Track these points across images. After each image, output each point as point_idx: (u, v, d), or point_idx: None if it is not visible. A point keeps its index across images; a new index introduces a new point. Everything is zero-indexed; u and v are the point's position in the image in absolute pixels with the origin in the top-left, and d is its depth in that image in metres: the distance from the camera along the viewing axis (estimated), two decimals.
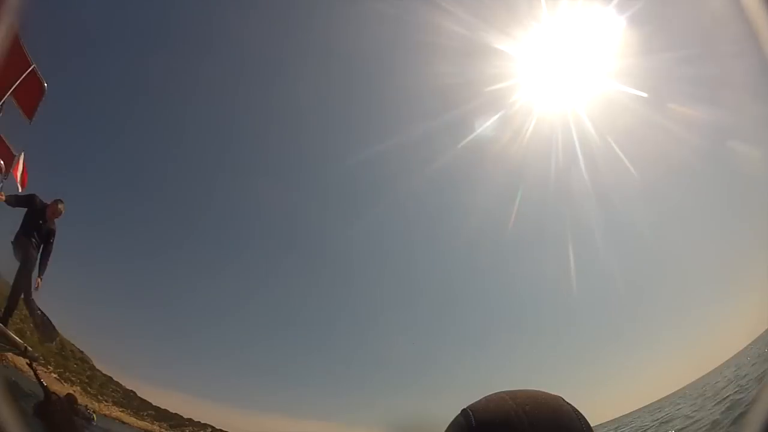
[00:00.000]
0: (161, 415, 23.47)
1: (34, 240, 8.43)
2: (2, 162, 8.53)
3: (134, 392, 22.96)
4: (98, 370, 20.73)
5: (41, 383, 7.74)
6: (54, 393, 8.50)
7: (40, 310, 8.55)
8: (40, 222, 8.56)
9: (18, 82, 7.92)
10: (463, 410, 0.87)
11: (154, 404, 23.63)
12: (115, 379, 21.59)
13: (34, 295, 8.40)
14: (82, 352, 20.04)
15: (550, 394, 0.87)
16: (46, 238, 8.65)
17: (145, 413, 22.56)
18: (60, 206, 8.77)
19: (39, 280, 8.43)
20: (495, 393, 0.88)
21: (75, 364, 19.21)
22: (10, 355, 8.58)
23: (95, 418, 8.59)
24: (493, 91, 17.54)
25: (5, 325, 7.80)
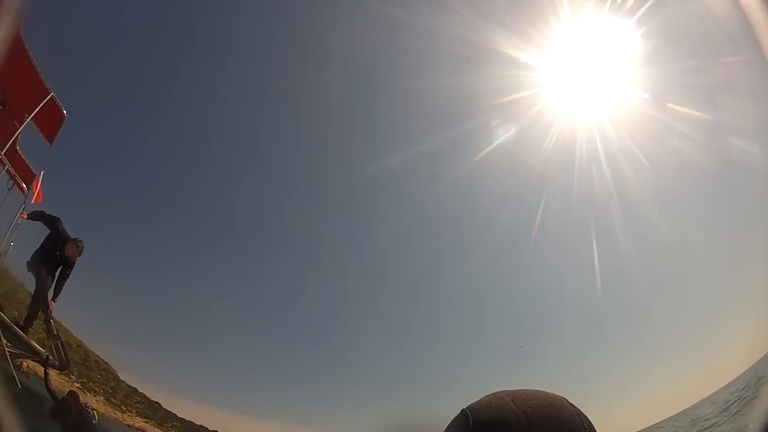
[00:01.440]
0: (186, 426, 23.86)
1: (48, 267, 8.73)
2: (24, 185, 9.12)
3: (159, 404, 23.47)
4: (123, 381, 21.29)
5: (49, 389, 8.23)
6: (65, 396, 8.98)
7: (57, 334, 8.96)
8: (57, 254, 8.81)
9: (37, 109, 8.53)
10: (462, 410, 0.85)
11: (179, 416, 24.15)
12: (140, 390, 22.24)
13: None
14: (106, 363, 20.72)
15: (554, 395, 0.84)
16: (63, 267, 8.91)
17: (170, 425, 23.04)
18: (80, 246, 8.97)
19: (52, 303, 8.74)
20: (496, 392, 0.85)
21: (99, 374, 19.85)
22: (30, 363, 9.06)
23: (97, 416, 8.98)
24: (513, 100, 17.62)
25: (26, 334, 8.33)
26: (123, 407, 20.26)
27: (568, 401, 0.83)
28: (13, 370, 7.39)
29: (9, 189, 8.67)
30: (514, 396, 0.82)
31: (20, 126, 8.33)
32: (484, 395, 0.87)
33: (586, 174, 18.32)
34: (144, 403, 21.98)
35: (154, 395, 23.27)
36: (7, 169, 8.42)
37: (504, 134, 17.79)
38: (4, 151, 7.95)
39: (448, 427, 0.87)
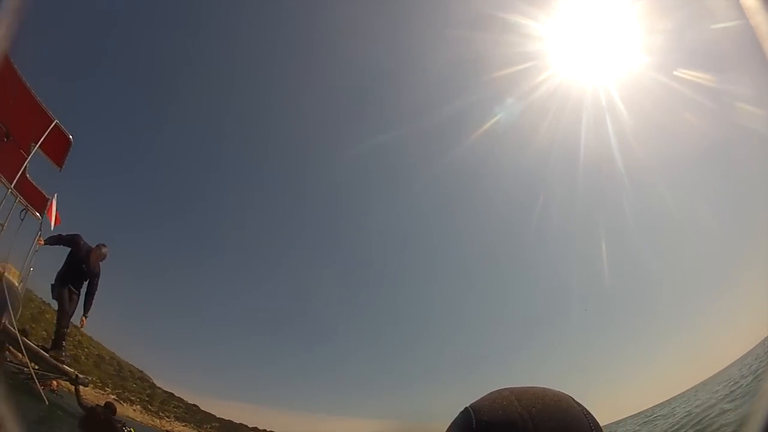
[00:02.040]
0: (225, 426, 24.58)
1: (71, 286, 8.94)
2: (38, 212, 9.42)
3: (197, 406, 24.17)
4: (159, 388, 21.97)
5: (80, 402, 8.63)
6: (98, 406, 9.35)
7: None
8: (83, 267, 8.98)
9: (43, 138, 8.77)
10: (465, 408, 0.83)
11: (218, 416, 24.87)
12: (176, 395, 22.92)
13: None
14: (141, 371, 21.43)
15: (560, 394, 0.81)
16: (90, 279, 9.04)
17: (209, 426, 23.76)
18: (103, 250, 9.12)
19: (84, 319, 9.05)
20: (500, 390, 0.83)
21: (134, 383, 20.58)
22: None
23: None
24: (517, 71, 17.02)
25: (56, 356, 8.68)
26: (161, 413, 20.94)
27: (574, 400, 0.81)
28: (40, 390, 7.72)
29: (22, 219, 8.91)
30: (519, 394, 0.80)
31: (27, 155, 8.62)
32: (488, 392, 0.84)
33: (592, 147, 17.63)
34: (182, 407, 22.65)
35: (191, 398, 24.01)
36: (19, 199, 8.70)
37: (508, 107, 17.23)
38: (14, 183, 8.21)
39: (450, 426, 0.85)
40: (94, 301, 9.21)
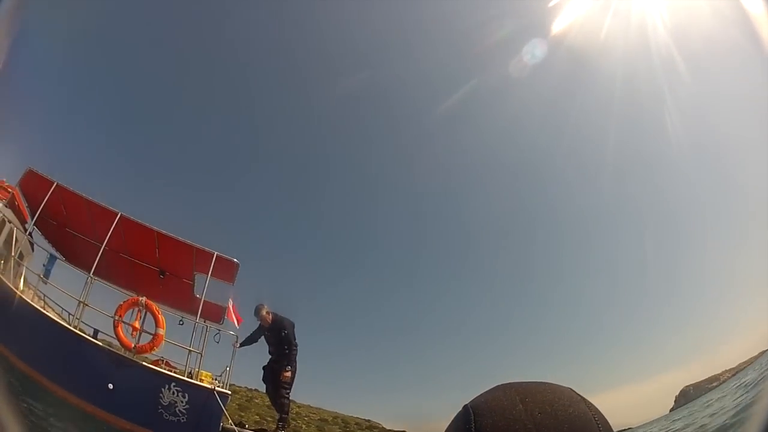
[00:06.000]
0: None
1: (272, 357, 9.93)
2: (219, 325, 11.18)
3: None
4: (390, 431, 23.36)
5: None
6: None
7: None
8: (267, 333, 9.96)
9: (210, 270, 10.85)
10: (465, 407, 0.81)
11: None
12: None
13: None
14: (368, 420, 23.18)
15: (569, 395, 0.78)
16: (276, 338, 9.81)
17: None
18: (262, 312, 9.80)
19: (286, 374, 9.66)
20: (505, 386, 0.81)
21: None
22: None
23: None
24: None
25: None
26: None
27: (585, 402, 0.78)
28: None
29: (217, 342, 10.16)
30: (524, 394, 0.77)
31: (189, 281, 10.71)
32: (492, 387, 0.82)
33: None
34: None
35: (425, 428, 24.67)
36: (209, 326, 10.48)
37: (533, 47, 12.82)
38: (198, 316, 10.27)
39: (450, 424, 0.83)
40: (292, 356, 9.75)
